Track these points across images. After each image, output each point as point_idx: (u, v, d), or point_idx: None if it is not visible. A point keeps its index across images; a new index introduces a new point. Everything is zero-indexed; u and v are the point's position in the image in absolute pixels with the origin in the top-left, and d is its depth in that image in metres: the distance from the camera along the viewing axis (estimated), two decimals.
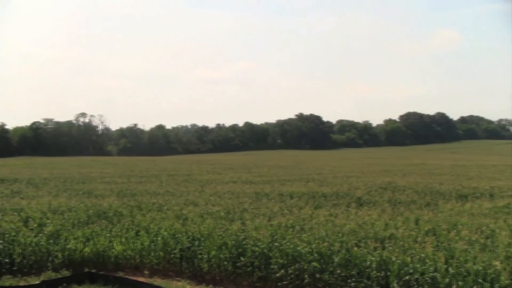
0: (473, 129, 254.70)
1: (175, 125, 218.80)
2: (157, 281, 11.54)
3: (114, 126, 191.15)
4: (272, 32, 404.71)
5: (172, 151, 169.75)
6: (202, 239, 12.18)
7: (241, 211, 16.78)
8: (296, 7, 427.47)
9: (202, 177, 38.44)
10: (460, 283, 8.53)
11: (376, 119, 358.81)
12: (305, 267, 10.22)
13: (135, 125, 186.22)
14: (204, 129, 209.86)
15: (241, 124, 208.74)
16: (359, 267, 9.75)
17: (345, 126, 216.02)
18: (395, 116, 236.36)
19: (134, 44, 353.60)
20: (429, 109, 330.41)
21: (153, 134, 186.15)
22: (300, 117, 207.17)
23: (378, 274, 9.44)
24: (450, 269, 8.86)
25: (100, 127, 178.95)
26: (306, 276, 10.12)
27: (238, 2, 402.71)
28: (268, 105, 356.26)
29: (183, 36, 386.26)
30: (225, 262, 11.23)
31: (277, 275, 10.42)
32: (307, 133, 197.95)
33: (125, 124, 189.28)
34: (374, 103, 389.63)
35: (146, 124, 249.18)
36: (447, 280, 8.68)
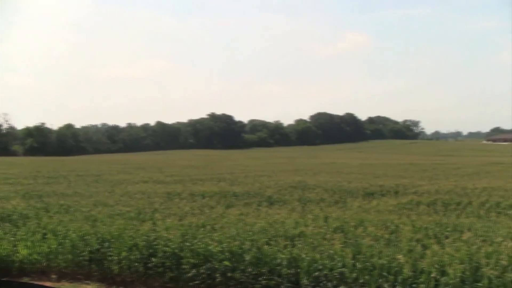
0: (380, 129, 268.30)
1: (85, 124, 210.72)
2: (65, 285, 11.12)
3: (20, 125, 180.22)
4: (185, 32, 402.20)
5: (81, 151, 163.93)
6: (112, 240, 11.87)
7: (152, 211, 16.51)
8: (210, 9, 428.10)
9: (113, 177, 37.29)
10: (366, 277, 9.04)
11: (287, 119, 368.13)
12: (216, 266, 10.29)
13: (43, 124, 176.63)
14: (115, 128, 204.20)
15: (152, 123, 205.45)
16: (269, 265, 9.95)
17: (257, 126, 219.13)
18: (306, 116, 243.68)
19: (41, 40, 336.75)
20: (339, 110, 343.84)
21: (62, 133, 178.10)
22: (212, 116, 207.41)
23: (289, 271, 9.70)
24: (357, 264, 9.34)
25: (4, 126, 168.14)
26: (217, 275, 10.20)
27: (152, 1, 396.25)
28: (180, 104, 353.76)
29: (94, 33, 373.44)
30: (136, 264, 11.07)
31: (189, 275, 10.43)
32: (219, 132, 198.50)
33: (32, 123, 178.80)
34: (285, 103, 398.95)
35: (55, 123, 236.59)
36: (354, 274, 9.17)
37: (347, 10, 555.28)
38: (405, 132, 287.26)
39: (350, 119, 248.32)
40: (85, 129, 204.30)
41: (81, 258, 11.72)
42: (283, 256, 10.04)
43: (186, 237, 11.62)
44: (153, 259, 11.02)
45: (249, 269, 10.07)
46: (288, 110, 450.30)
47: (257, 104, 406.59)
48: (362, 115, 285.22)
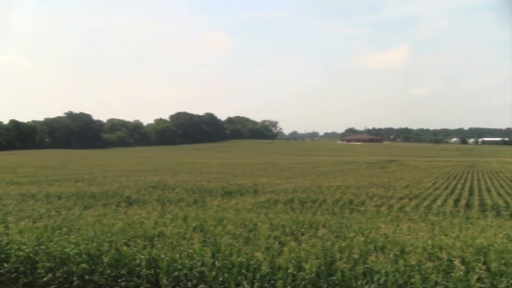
0: (239, 129, 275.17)
1: None
2: None
3: None
4: (42, 27, 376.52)
5: None
6: None
7: (5, 214, 15.64)
8: (68, 4, 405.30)
9: None
10: (225, 275, 9.14)
11: (147, 118, 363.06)
12: (73, 269, 9.92)
13: None
14: None
15: (5, 122, 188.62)
16: (129, 266, 9.78)
17: (116, 125, 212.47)
18: (166, 116, 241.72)
19: None
20: (199, 109, 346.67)
21: None
22: (70, 115, 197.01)
23: (148, 272, 9.59)
24: (216, 263, 9.41)
25: None
26: (75, 278, 9.84)
27: None
28: (35, 102, 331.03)
29: None
30: None
31: (44, 279, 9.95)
32: (77, 131, 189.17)
33: None
34: (145, 102, 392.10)
35: None
36: (213, 273, 9.22)
37: (208, 11, 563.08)
38: (264, 132, 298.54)
39: (210, 119, 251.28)
40: None
41: None
42: (142, 256, 9.89)
43: (42, 240, 11.07)
44: (6, 265, 10.39)
45: (108, 271, 9.83)
46: (148, 109, 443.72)
47: (117, 103, 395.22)
48: (222, 115, 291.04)
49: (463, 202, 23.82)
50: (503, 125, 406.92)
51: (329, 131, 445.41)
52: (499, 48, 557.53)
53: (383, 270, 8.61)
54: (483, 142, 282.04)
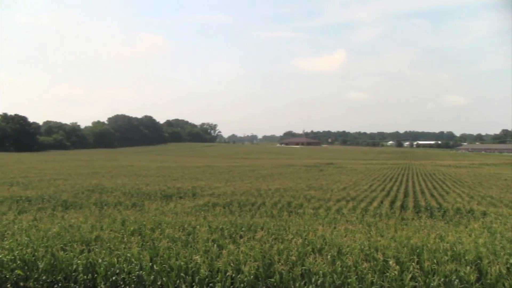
0: (178, 132, 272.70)
1: None
2: None
3: None
4: None
5: None
6: None
7: None
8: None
9: None
10: (164, 279, 9.05)
11: (85, 121, 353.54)
12: (7, 275, 9.61)
13: None
14: None
15: None
16: (65, 271, 9.56)
17: (53, 128, 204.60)
18: (104, 118, 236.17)
19: None
20: (137, 112, 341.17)
21: None
22: (4, 117, 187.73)
23: (85, 277, 9.40)
24: (155, 267, 9.31)
25: None
26: (9, 285, 9.54)
27: None
28: None
29: None
30: None
31: None
32: (12, 134, 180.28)
33: None
34: (83, 104, 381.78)
35: None
36: (152, 277, 9.12)
37: (147, 13, 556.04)
38: (203, 135, 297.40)
39: (148, 121, 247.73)
40: None
41: None
42: (79, 261, 9.65)
43: None
44: None
45: (44, 277, 9.55)
46: (86, 112, 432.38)
47: (53, 105, 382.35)
48: (161, 118, 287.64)
49: (398, 203, 24.56)
50: (436, 129, 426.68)
51: (268, 134, 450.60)
52: (433, 54, 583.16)
53: (320, 271, 8.78)
54: (418, 145, 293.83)
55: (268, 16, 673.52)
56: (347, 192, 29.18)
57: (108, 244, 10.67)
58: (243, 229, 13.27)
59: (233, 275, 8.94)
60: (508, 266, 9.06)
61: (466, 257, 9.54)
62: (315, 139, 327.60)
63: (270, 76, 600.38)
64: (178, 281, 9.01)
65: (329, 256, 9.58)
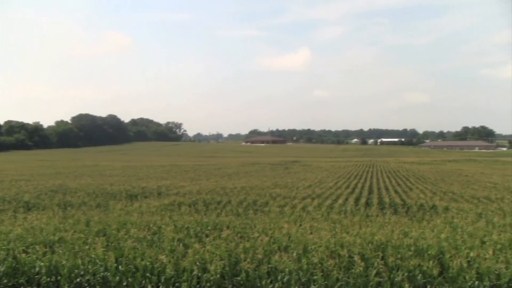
0: (143, 131, 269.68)
1: None
2: None
3: None
4: None
5: None
6: None
7: None
8: None
9: None
10: (130, 279, 8.93)
11: (47, 120, 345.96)
12: None
13: None
14: None
15: None
16: (28, 274, 9.34)
17: (14, 127, 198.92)
18: (67, 118, 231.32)
19: None
20: (101, 111, 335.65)
21: None
22: None
23: (49, 279, 9.20)
24: (120, 267, 9.18)
25: None
26: None
27: None
28: None
29: None
30: None
31: None
32: None
33: None
34: (45, 103, 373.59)
35: None
36: (117, 278, 8.98)
37: (110, 12, 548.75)
38: (168, 134, 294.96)
39: (113, 120, 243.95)
40: None
41: None
42: (42, 264, 9.43)
43: None
44: None
45: (5, 281, 9.30)
46: (49, 111, 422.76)
47: (15, 104, 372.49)
48: (125, 117, 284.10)
49: (363, 200, 24.89)
50: (400, 126, 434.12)
51: (234, 132, 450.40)
52: (396, 52, 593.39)
53: (286, 269, 8.82)
54: (382, 143, 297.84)
55: (232, 14, 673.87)
56: (312, 190, 29.39)
57: (72, 246, 10.45)
58: (209, 228, 13.22)
59: (199, 274, 8.89)
60: (469, 259, 9.29)
61: (429, 252, 9.74)
62: (281, 137, 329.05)
63: (234, 75, 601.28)
64: (143, 281, 8.91)
65: (295, 254, 9.63)
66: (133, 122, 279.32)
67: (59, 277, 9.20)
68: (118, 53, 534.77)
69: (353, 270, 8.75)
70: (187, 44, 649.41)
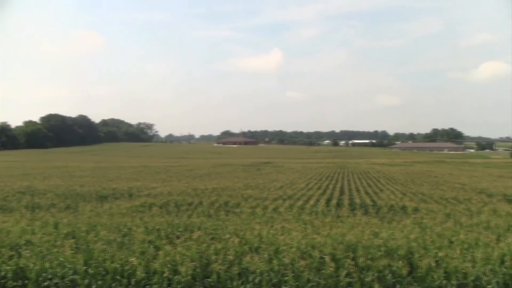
0: (114, 132, 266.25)
1: None
2: None
3: None
4: None
5: None
6: None
7: None
8: None
9: None
10: (99, 282, 8.77)
11: (15, 120, 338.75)
12: None
13: None
14: None
15: None
16: None
17: None
18: (36, 118, 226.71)
19: None
20: (71, 111, 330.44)
21: None
22: None
23: (15, 283, 8.94)
24: (89, 270, 9.00)
25: None
26: None
27: None
28: None
29: None
30: None
31: None
32: None
33: None
34: (13, 103, 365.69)
35: None
36: (86, 281, 8.81)
37: (80, 10, 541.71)
38: (139, 134, 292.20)
39: (83, 121, 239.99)
40: None
41: None
42: (8, 267, 9.16)
43: None
44: None
45: None
46: (17, 111, 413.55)
47: None
48: (96, 117, 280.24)
49: (334, 201, 25.10)
50: (371, 128, 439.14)
51: (206, 133, 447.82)
52: (368, 54, 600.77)
53: (258, 270, 8.79)
54: (353, 144, 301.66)
55: (205, 15, 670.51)
56: (284, 191, 29.49)
57: (39, 248, 10.20)
58: (180, 229, 13.09)
59: (170, 276, 8.80)
60: (437, 259, 9.42)
61: (399, 252, 9.84)
62: (253, 138, 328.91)
63: (207, 75, 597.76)
64: (113, 284, 8.76)
65: (266, 255, 9.60)
66: (104, 122, 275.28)
67: (26, 281, 8.96)
68: (90, 53, 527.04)
69: (324, 271, 8.77)
70: (160, 45, 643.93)
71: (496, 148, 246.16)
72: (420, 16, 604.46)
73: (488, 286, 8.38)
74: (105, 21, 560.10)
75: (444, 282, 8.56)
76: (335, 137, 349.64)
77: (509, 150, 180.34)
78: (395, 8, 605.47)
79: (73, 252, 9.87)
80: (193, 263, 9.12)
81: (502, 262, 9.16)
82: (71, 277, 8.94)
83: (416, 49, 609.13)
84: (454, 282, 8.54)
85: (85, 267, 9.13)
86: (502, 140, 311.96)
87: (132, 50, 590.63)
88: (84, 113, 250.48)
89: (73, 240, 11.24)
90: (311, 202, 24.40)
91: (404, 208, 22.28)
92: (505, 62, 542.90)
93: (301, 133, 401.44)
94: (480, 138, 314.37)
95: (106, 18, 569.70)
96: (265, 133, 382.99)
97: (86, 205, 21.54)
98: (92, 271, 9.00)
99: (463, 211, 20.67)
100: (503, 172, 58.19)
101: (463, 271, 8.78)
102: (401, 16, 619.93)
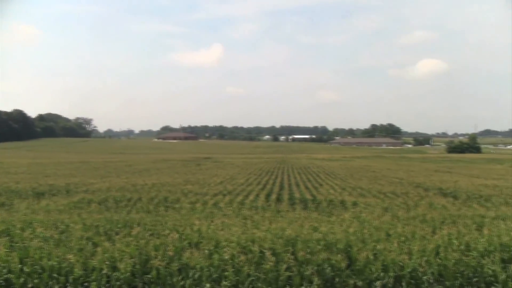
0: (51, 127, 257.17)
1: None
2: None
3: None
4: None
5: None
6: None
7: None
8: None
9: None
10: (36, 280, 8.51)
11: None
12: None
13: None
14: None
15: None
16: None
17: None
18: None
19: None
20: (6, 106, 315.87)
21: None
22: None
23: None
24: (25, 268, 8.71)
25: None
26: None
27: None
28: None
29: None
30: None
31: None
32: None
33: None
34: None
35: None
36: (22, 280, 8.52)
37: (17, 2, 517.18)
38: (77, 130, 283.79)
39: (18, 116, 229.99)
40: None
41: None
42: None
43: None
44: None
45: None
46: None
47: None
48: (32, 112, 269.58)
49: (274, 196, 25.29)
50: (311, 123, 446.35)
51: (145, 129, 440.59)
52: (309, 50, 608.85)
53: (198, 266, 8.78)
54: (293, 139, 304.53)
55: (146, 9, 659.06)
56: (224, 186, 29.53)
57: None
58: (119, 225, 12.87)
59: (109, 273, 8.66)
60: (375, 252, 9.71)
61: (338, 246, 10.04)
62: (193, 133, 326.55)
63: (146, 70, 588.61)
64: (50, 282, 8.52)
65: (206, 250, 9.60)
66: (41, 117, 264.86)
67: None
68: (26, 46, 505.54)
69: (264, 265, 8.87)
70: (99, 38, 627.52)
71: (432, 143, 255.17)
72: (362, 12, 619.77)
73: (424, 277, 8.68)
74: (42, 13, 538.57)
75: (382, 274, 8.82)
76: (275, 133, 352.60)
77: (444, 146, 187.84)
78: (337, 4, 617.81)
79: (7, 250, 9.52)
80: (132, 260, 9.01)
81: (437, 253, 9.50)
82: (5, 276, 8.61)
83: (357, 45, 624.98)
84: (391, 274, 8.82)
85: (20, 266, 8.83)
86: (438, 135, 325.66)
87: (69, 43, 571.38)
88: (19, 108, 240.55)
89: (8, 238, 10.83)
90: (251, 197, 24.56)
91: (343, 202, 22.77)
92: (442, 59, 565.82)
93: (241, 128, 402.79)
94: (417, 133, 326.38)
95: (42, 10, 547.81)
96: (205, 129, 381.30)
97: (22, 202, 20.78)
98: (28, 270, 8.72)
99: (401, 204, 21.39)
100: (439, 167, 60.74)
101: (400, 263, 9.07)
102: (342, 13, 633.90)
